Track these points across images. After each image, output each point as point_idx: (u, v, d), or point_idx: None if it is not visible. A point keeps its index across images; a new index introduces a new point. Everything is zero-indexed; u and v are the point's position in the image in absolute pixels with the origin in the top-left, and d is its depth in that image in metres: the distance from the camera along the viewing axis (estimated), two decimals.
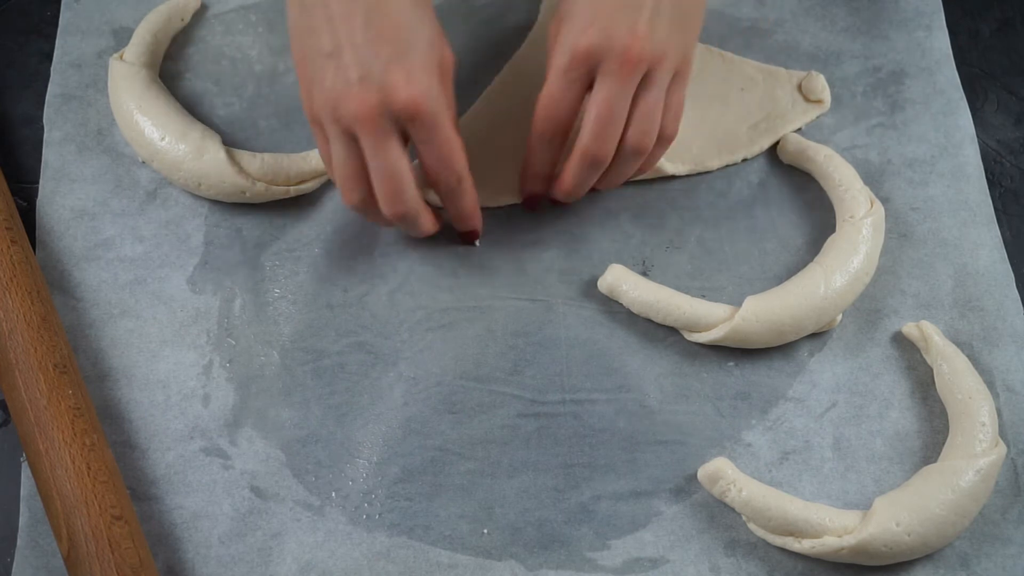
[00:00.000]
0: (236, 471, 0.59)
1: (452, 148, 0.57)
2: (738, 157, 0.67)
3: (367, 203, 0.59)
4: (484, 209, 0.64)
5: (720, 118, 0.68)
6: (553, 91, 0.58)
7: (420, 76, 0.54)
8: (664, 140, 0.59)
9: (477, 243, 0.65)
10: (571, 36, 0.56)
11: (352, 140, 0.56)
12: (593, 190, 0.63)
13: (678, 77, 0.58)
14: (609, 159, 0.58)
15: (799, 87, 0.69)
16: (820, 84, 0.69)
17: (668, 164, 0.66)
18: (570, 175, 0.60)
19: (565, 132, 0.59)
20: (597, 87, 0.56)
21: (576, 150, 0.58)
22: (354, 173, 0.57)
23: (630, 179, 0.63)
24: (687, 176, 0.67)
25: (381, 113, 0.54)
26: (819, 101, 0.69)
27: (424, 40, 0.56)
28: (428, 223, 0.61)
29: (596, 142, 0.57)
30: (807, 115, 0.68)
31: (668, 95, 0.58)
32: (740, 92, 0.69)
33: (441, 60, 0.57)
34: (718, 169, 0.67)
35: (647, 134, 0.57)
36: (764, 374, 0.62)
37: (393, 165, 0.56)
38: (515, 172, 0.64)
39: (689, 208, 0.66)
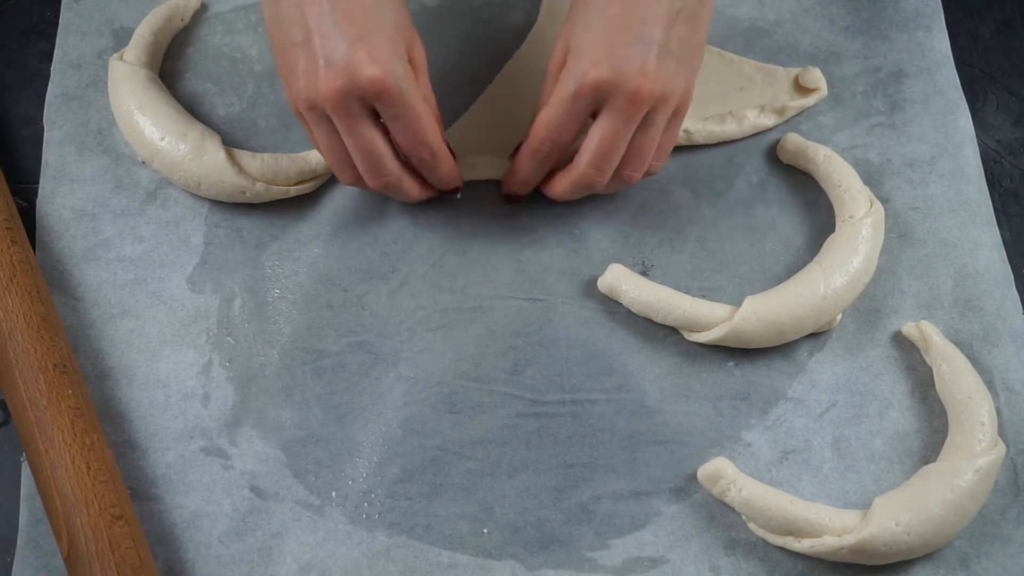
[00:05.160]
0: (236, 471, 0.59)
1: (421, 123, 0.57)
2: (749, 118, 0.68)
3: (360, 180, 0.60)
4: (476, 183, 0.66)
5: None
6: (556, 115, 0.58)
7: (384, 55, 0.55)
8: (648, 173, 0.62)
9: (458, 195, 0.65)
10: (581, 66, 0.56)
11: (330, 123, 0.57)
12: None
13: (677, 114, 0.59)
14: (603, 186, 0.60)
15: (796, 81, 0.69)
16: (816, 75, 0.69)
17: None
18: (564, 189, 0.62)
19: (561, 153, 0.61)
20: (602, 120, 0.57)
21: (574, 172, 0.60)
22: (341, 155, 0.59)
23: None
24: (687, 177, 0.67)
25: (348, 93, 0.55)
26: (815, 89, 0.69)
27: (389, 23, 0.56)
28: (414, 190, 0.62)
29: (594, 171, 0.59)
30: (806, 103, 0.69)
31: (665, 132, 0.59)
32: (739, 91, 0.69)
33: (409, 45, 0.58)
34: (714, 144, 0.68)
35: (638, 170, 0.60)
36: (764, 374, 0.62)
37: (368, 141, 0.57)
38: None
39: (689, 208, 0.66)
